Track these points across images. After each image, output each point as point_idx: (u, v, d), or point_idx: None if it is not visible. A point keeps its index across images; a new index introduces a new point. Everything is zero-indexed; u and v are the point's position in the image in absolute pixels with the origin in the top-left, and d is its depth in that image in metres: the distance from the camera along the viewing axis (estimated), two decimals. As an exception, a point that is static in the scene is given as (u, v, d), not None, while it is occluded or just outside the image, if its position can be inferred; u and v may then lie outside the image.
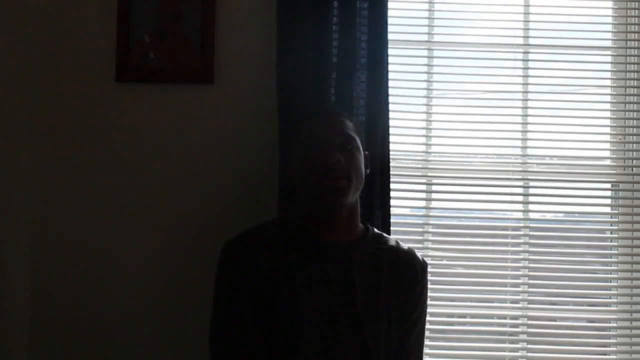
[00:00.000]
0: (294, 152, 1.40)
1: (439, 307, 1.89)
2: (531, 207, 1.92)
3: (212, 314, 1.33)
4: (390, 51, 1.72)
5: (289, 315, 1.27)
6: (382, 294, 1.34)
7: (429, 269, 1.86)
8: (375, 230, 1.46)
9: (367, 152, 1.43)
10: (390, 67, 1.72)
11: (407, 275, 1.39)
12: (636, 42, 1.94)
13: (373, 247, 1.39)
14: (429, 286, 1.85)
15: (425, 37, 1.94)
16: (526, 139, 1.93)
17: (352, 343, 1.28)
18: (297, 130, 1.40)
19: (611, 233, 1.96)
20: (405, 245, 1.45)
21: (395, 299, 1.35)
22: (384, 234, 1.47)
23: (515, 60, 1.95)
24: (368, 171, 1.43)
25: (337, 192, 1.31)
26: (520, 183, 1.92)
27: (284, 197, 1.64)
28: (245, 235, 1.37)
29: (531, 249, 1.90)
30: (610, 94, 1.95)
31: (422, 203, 1.92)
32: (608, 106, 1.95)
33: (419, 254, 1.45)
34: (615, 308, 1.93)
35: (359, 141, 1.38)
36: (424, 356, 1.43)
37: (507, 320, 1.91)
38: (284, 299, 1.28)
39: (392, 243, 1.43)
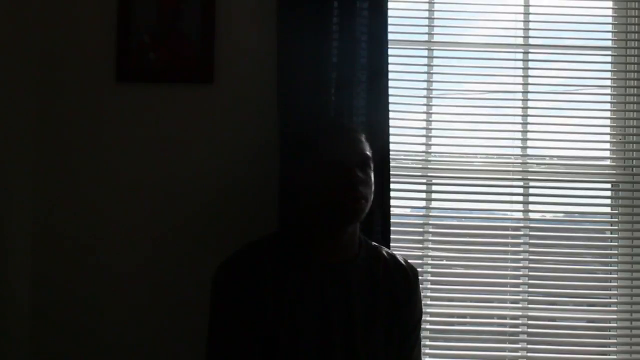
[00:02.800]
0: (304, 167, 1.34)
1: (439, 307, 1.89)
2: (531, 207, 1.92)
3: (210, 343, 1.30)
4: (390, 51, 1.72)
5: (289, 342, 1.25)
6: (379, 310, 1.34)
7: (429, 269, 1.89)
8: (367, 240, 1.43)
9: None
10: (390, 67, 1.72)
11: (402, 287, 1.38)
12: (636, 42, 1.94)
13: (369, 262, 1.37)
14: (429, 286, 1.88)
15: (425, 37, 1.94)
16: (526, 139, 1.93)
17: None
18: (309, 145, 1.35)
19: (611, 233, 1.96)
20: (393, 254, 1.44)
21: (392, 313, 1.35)
22: (374, 243, 1.45)
23: (515, 60, 1.95)
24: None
25: (355, 214, 1.30)
26: (520, 183, 1.92)
27: (284, 198, 1.64)
28: (240, 258, 1.32)
29: (531, 249, 1.90)
30: (610, 94, 1.95)
31: (422, 203, 1.92)
32: (608, 106, 1.95)
33: (408, 261, 1.44)
34: (615, 308, 1.93)
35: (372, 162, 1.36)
36: (423, 357, 1.43)
37: (507, 321, 1.91)
38: (284, 326, 1.26)
39: (383, 254, 1.42)
